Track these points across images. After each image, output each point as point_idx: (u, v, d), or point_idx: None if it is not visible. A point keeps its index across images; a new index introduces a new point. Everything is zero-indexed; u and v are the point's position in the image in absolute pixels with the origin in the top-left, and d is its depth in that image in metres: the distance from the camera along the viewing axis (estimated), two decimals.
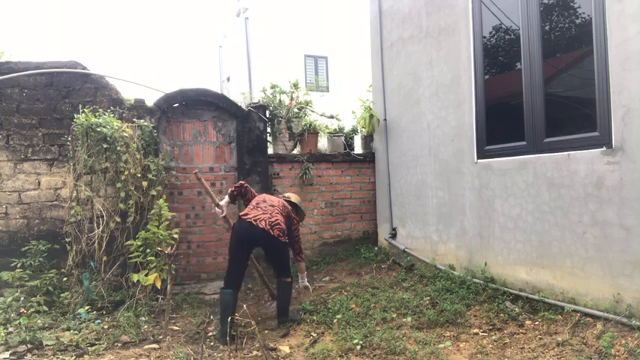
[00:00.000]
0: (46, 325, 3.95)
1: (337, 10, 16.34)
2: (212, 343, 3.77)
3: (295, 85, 6.38)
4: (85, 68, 5.06)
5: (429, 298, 4.29)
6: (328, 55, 16.69)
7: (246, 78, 15.72)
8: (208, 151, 5.62)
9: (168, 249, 4.05)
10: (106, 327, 4.01)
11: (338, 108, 7.63)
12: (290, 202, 4.43)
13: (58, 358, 3.37)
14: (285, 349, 3.57)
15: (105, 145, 4.59)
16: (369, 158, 6.51)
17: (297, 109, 6.30)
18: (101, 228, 4.60)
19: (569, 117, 3.80)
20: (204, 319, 4.31)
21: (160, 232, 4.44)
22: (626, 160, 3.19)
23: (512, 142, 4.17)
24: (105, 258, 4.64)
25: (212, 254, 5.59)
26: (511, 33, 4.23)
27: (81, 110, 4.72)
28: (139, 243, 4.41)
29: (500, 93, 4.48)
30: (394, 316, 4.01)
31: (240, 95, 7.69)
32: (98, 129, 4.53)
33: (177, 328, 4.14)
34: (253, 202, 4.20)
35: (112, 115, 4.79)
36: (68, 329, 3.90)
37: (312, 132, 6.29)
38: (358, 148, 7.14)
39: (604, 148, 3.33)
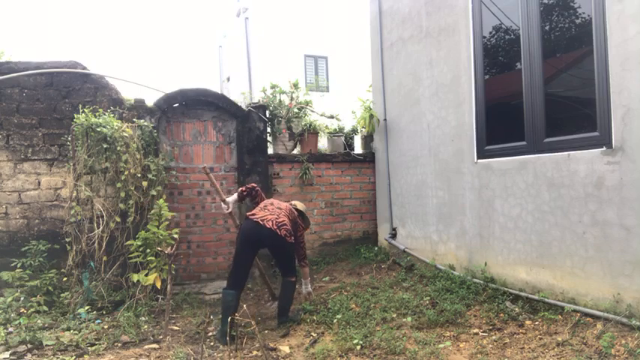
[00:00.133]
0: (46, 325, 3.95)
1: (337, 10, 16.34)
2: (212, 343, 3.77)
3: (295, 85, 6.38)
4: (85, 68, 5.06)
5: (429, 298, 4.29)
6: (328, 55, 16.70)
7: (246, 78, 15.72)
8: (208, 151, 5.61)
9: (169, 249, 4.05)
10: (106, 327, 4.01)
11: (338, 108, 7.63)
12: (296, 209, 4.44)
13: (58, 358, 3.37)
14: (285, 349, 3.57)
15: (105, 145, 4.59)
16: (369, 158, 6.51)
17: (297, 109, 6.30)
18: (101, 228, 4.60)
19: (569, 117, 3.80)
20: (204, 319, 4.30)
21: (160, 232, 4.44)
22: (626, 160, 3.19)
23: (512, 142, 4.17)
24: (105, 258, 4.64)
25: (212, 254, 5.59)
26: (511, 33, 4.23)
27: (81, 110, 4.72)
28: (139, 243, 4.41)
29: (500, 93, 4.48)
30: (394, 316, 4.01)
31: (240, 95, 7.69)
32: (98, 129, 4.53)
33: (177, 328, 4.14)
34: (261, 205, 4.25)
35: (112, 115, 4.79)
36: (68, 329, 3.90)
37: (312, 132, 6.29)
38: (358, 148, 7.14)
39: (604, 148, 3.33)
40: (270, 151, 6.11)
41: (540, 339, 3.31)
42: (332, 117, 6.72)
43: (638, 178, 3.12)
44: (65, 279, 4.48)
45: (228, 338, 3.58)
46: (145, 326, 4.05)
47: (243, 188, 4.40)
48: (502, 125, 4.37)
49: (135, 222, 4.78)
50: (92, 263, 4.56)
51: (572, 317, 3.43)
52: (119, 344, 3.67)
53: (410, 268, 5.33)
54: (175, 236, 4.55)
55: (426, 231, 5.29)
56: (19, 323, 3.87)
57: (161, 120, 5.36)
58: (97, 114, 4.70)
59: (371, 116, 5.98)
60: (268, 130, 6.03)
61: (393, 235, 5.96)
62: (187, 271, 5.48)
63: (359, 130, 6.73)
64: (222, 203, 4.35)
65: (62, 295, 4.40)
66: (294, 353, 3.50)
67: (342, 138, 6.59)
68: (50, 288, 4.46)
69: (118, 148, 4.64)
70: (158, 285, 4.33)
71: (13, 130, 4.82)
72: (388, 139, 6.02)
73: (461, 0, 4.65)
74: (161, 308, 4.46)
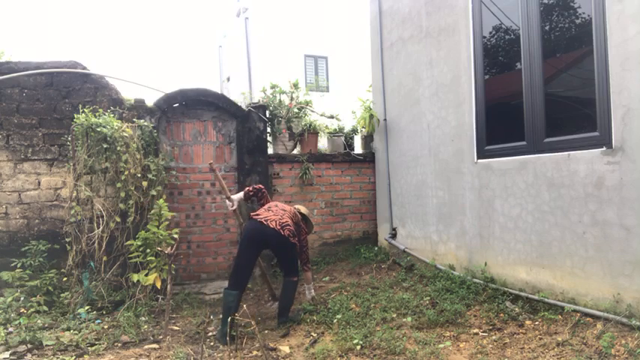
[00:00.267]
0: (46, 325, 3.95)
1: (337, 10, 16.34)
2: (212, 343, 3.77)
3: (295, 85, 6.38)
4: (85, 68, 5.06)
5: (429, 298, 4.29)
6: (328, 55, 16.70)
7: (246, 78, 15.72)
8: (208, 151, 5.61)
9: (169, 249, 4.05)
10: (106, 327, 4.01)
11: (338, 108, 7.63)
12: (300, 213, 4.45)
13: (58, 358, 3.37)
14: (285, 349, 3.57)
15: (105, 145, 4.59)
16: (369, 158, 6.51)
17: (297, 109, 6.30)
18: (101, 228, 4.60)
19: (569, 117, 3.80)
20: (204, 319, 4.30)
21: (160, 232, 4.44)
22: (626, 160, 3.19)
23: (512, 142, 4.17)
24: (105, 258, 4.64)
25: (212, 254, 5.59)
26: (511, 33, 4.23)
27: (81, 110, 4.72)
28: (139, 243, 4.41)
29: (500, 93, 4.48)
30: (394, 316, 4.01)
31: (240, 95, 7.69)
32: (98, 129, 4.53)
33: (177, 328, 4.14)
34: (265, 206, 4.28)
35: (112, 115, 4.79)
36: (68, 329, 3.90)
37: (312, 132, 6.29)
38: (358, 148, 7.14)
39: (604, 148, 3.33)
40: (270, 151, 6.11)
41: (540, 339, 3.31)
42: (332, 117, 6.72)
43: (638, 178, 3.12)
44: (65, 279, 4.48)
45: (228, 338, 3.58)
46: (145, 326, 4.05)
47: (250, 188, 4.43)
48: (502, 125, 4.37)
49: (135, 222, 4.78)
50: (92, 263, 4.56)
51: (572, 317, 3.43)
52: (119, 344, 3.67)
53: (410, 268, 5.33)
54: (175, 236, 4.55)
55: (426, 231, 5.29)
56: (19, 323, 3.87)
57: (161, 120, 5.36)
58: (97, 114, 4.70)
59: (371, 116, 5.98)
60: (268, 130, 6.03)
61: (393, 235, 5.96)
62: (187, 271, 5.48)
63: (359, 130, 6.73)
64: (227, 200, 4.39)
65: (62, 295, 4.40)
66: (294, 353, 3.50)
67: (342, 138, 6.59)
68: (50, 288, 4.46)
69: (118, 148, 4.64)
70: (158, 285, 4.33)
71: (13, 130, 4.82)
72: (388, 139, 6.02)
73: (461, 0, 4.65)
74: (161, 308, 4.46)
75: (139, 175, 4.78)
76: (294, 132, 6.25)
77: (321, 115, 6.67)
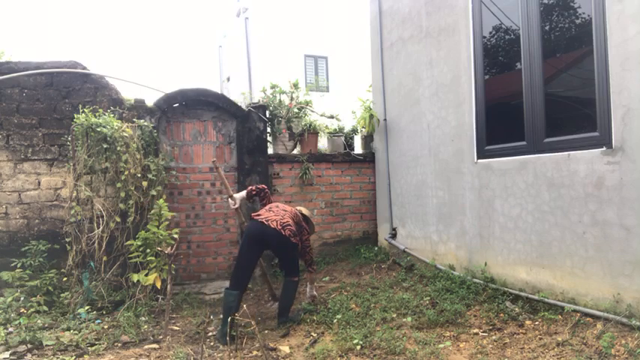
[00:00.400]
0: (46, 325, 3.95)
1: (337, 10, 16.34)
2: (212, 343, 3.77)
3: (295, 85, 6.38)
4: (85, 68, 5.06)
5: (429, 298, 4.29)
6: (328, 55, 16.70)
7: (246, 78, 15.72)
8: (208, 151, 5.61)
9: (169, 249, 4.05)
10: (106, 327, 4.01)
11: (338, 108, 7.63)
12: (301, 214, 4.45)
13: (58, 358, 3.37)
14: (285, 349, 3.57)
15: (105, 145, 4.59)
16: (369, 158, 6.51)
17: (297, 109, 6.30)
18: (101, 228, 4.60)
19: (569, 117, 3.80)
20: (204, 319, 4.30)
21: (160, 232, 4.44)
22: (626, 160, 3.19)
23: (512, 142, 4.17)
24: (105, 258, 4.64)
25: (212, 254, 5.59)
26: (511, 33, 4.23)
27: (81, 110, 4.72)
28: (139, 243, 4.41)
29: (500, 93, 4.48)
30: (394, 316, 4.01)
31: (240, 95, 7.69)
32: (98, 129, 4.53)
33: (177, 328, 4.14)
34: (267, 207, 4.29)
35: (112, 115, 4.79)
36: (68, 329, 3.90)
37: (312, 132, 6.29)
38: (358, 148, 7.14)
39: (604, 148, 3.33)
40: (270, 151, 6.11)
41: (540, 339, 3.31)
42: (332, 117, 6.72)
43: (638, 178, 3.12)
44: (65, 279, 4.48)
45: (228, 338, 3.58)
46: (145, 326, 4.05)
47: (253, 187, 4.45)
48: (502, 125, 4.37)
49: (135, 222, 4.78)
50: (92, 263, 4.56)
51: (572, 317, 3.43)
52: (119, 344, 3.67)
53: (410, 268, 5.33)
54: (175, 236, 4.55)
55: (426, 231, 5.29)
56: (19, 323, 3.87)
57: (161, 120, 5.36)
58: (97, 114, 4.70)
59: (371, 116, 5.98)
60: (268, 130, 6.03)
61: (393, 235, 5.96)
62: (187, 271, 5.48)
63: (359, 130, 6.73)
64: (229, 199, 4.40)
65: (62, 295, 4.40)
66: (294, 353, 3.50)
67: (342, 138, 6.59)
68: (50, 288, 4.46)
69: (118, 148, 4.64)
70: (158, 285, 4.33)
71: (13, 130, 4.82)
72: (388, 139, 6.02)
73: (461, 0, 4.64)
74: (161, 308, 4.46)
75: (139, 175, 4.78)
76: (294, 132, 6.25)
77: (321, 115, 6.67)
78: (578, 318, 3.40)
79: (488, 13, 4.41)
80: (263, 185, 4.55)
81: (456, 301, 4.08)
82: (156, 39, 36.19)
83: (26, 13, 31.76)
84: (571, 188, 3.58)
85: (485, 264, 4.40)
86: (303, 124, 6.26)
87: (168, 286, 3.99)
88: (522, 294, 3.94)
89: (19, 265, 4.52)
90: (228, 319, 3.63)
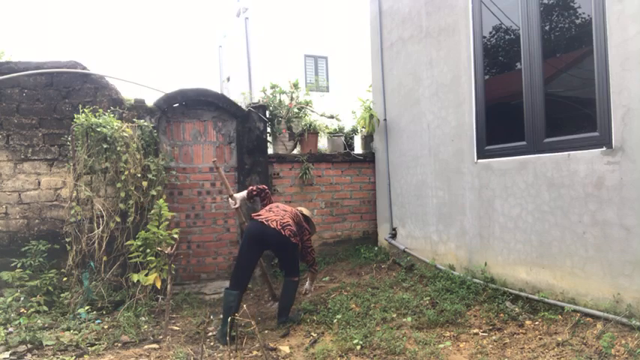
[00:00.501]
0: (46, 325, 3.95)
1: (337, 10, 16.34)
2: (212, 343, 3.77)
3: (295, 85, 6.38)
4: (85, 68, 5.06)
5: (429, 298, 4.29)
6: (328, 55, 16.70)
7: (246, 78, 15.72)
8: (208, 151, 5.61)
9: (169, 249, 4.05)
10: (106, 327, 4.01)
11: (338, 108, 7.63)
12: (302, 214, 4.45)
13: (58, 358, 3.37)
14: (285, 349, 3.57)
15: (105, 145, 4.59)
16: (369, 158, 6.51)
17: (297, 109, 6.30)
18: (101, 228, 4.60)
19: (569, 117, 3.80)
20: (204, 319, 4.31)
21: (160, 232, 4.44)
22: (626, 160, 3.19)
23: (512, 142, 4.17)
24: (105, 258, 4.64)
25: (212, 254, 5.59)
26: (511, 33, 4.23)
27: (81, 110, 4.72)
28: (139, 243, 4.41)
29: (500, 93, 4.48)
30: (394, 316, 4.01)
31: (240, 95, 7.69)
32: (98, 129, 4.53)
33: (177, 328, 4.14)
34: (267, 207, 4.29)
35: (112, 115, 4.79)
36: (68, 329, 3.90)
37: (312, 132, 6.29)
38: (358, 148, 7.14)
39: (604, 148, 3.33)
40: (270, 151, 6.11)
41: (540, 339, 3.31)
42: (332, 117, 6.72)
43: (638, 178, 3.12)
44: (65, 279, 4.48)
45: (228, 338, 3.58)
46: (145, 326, 4.05)
47: (254, 187, 4.46)
48: (502, 125, 4.37)
49: (135, 222, 4.78)
50: (92, 263, 4.56)
51: (572, 317, 3.42)
52: (119, 344, 3.67)
53: (410, 268, 5.33)
54: (175, 236, 4.55)
55: (426, 231, 5.29)
56: (19, 323, 3.87)
57: (161, 120, 5.36)
58: (97, 114, 4.70)
59: (371, 116, 5.98)
60: (268, 130, 6.03)
61: (393, 235, 5.96)
62: (187, 271, 5.48)
63: (359, 130, 6.73)
64: (229, 198, 4.41)
65: (62, 295, 4.40)
66: (294, 353, 3.50)
67: (342, 138, 6.59)
68: (50, 288, 4.46)
69: (118, 148, 4.64)
70: (158, 285, 4.33)
71: (13, 130, 4.82)
72: (388, 139, 6.02)
73: (461, 0, 4.64)
74: (161, 308, 4.46)
75: (139, 175, 4.78)
76: (294, 132, 6.25)
77: (321, 115, 6.67)
78: (578, 318, 3.40)
79: (488, 13, 4.41)
80: (264, 186, 4.55)
81: (456, 301, 4.08)
82: (156, 39, 36.20)
83: (26, 13, 31.77)
84: (571, 188, 3.58)
85: (486, 264, 4.40)
86: (303, 124, 6.26)
87: (169, 286, 3.99)
88: (522, 294, 3.94)
89: (19, 265, 4.52)
90: (228, 319, 3.63)
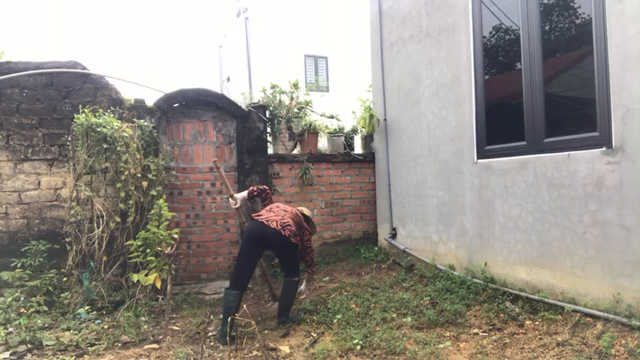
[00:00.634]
0: (46, 325, 3.95)
1: (337, 10, 16.34)
2: (212, 343, 3.77)
3: (295, 85, 6.38)
4: (85, 68, 5.06)
5: (429, 298, 4.29)
6: (328, 55, 16.70)
7: (246, 78, 15.72)
8: (208, 151, 5.62)
9: (169, 249, 4.05)
10: (106, 327, 4.01)
11: (338, 108, 7.63)
12: (302, 214, 4.45)
13: (58, 358, 3.37)
14: (285, 349, 3.57)
15: (105, 145, 4.60)
16: (369, 158, 6.50)
17: (297, 109, 6.30)
18: (101, 228, 4.60)
19: (569, 117, 3.80)
20: (204, 319, 4.31)
21: (160, 232, 4.44)
22: (626, 160, 3.19)
23: (512, 142, 4.17)
24: (105, 258, 4.64)
25: (212, 254, 5.59)
26: (511, 33, 4.23)
27: (81, 110, 4.72)
28: (139, 243, 4.41)
29: (500, 93, 4.48)
30: (394, 316, 4.01)
31: (240, 95, 7.69)
32: (98, 129, 4.53)
33: (177, 328, 4.14)
34: (267, 207, 4.29)
35: (112, 115, 4.79)
36: (68, 329, 3.90)
37: (312, 132, 6.29)
38: (358, 148, 7.14)
39: (604, 148, 3.33)
40: (270, 151, 6.11)
41: (540, 339, 3.31)
42: (332, 117, 6.72)
43: (638, 178, 3.12)
44: (65, 279, 4.48)
45: (228, 338, 3.58)
46: (145, 326, 4.05)
47: (255, 188, 4.45)
48: (502, 125, 4.37)
49: (135, 222, 4.78)
50: (92, 263, 4.56)
51: (572, 317, 3.42)
52: (119, 344, 3.67)
53: (410, 268, 5.33)
54: (175, 236, 4.55)
55: (426, 231, 5.29)
56: (19, 323, 3.87)
57: (161, 120, 5.36)
58: (97, 114, 4.70)
59: (371, 116, 5.98)
60: (268, 130, 6.03)
61: (393, 235, 5.96)
62: (187, 271, 5.48)
63: (359, 130, 6.73)
64: (229, 198, 4.41)
65: (62, 295, 4.40)
66: (294, 353, 3.50)
67: (342, 138, 6.59)
68: (50, 288, 4.46)
69: (118, 148, 4.64)
70: (158, 285, 4.33)
71: (13, 130, 4.82)
72: (388, 139, 6.02)
73: (461, 0, 4.64)
74: (161, 308, 4.46)
75: (139, 175, 4.78)
76: (294, 132, 6.25)
77: (321, 115, 6.67)
78: (578, 318, 3.40)
79: (488, 13, 4.41)
80: (265, 186, 4.55)
81: (456, 301, 4.08)
82: (156, 39, 36.20)
83: (26, 13, 31.77)
84: (571, 188, 3.58)
85: (485, 264, 4.40)
86: (303, 124, 6.26)
87: (169, 286, 3.99)
88: (522, 294, 3.94)
89: (19, 265, 4.52)
90: (228, 319, 3.63)
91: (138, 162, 4.79)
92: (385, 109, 6.02)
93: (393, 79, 5.89)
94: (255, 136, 5.74)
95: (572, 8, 3.69)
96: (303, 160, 6.04)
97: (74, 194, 4.62)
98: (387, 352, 3.31)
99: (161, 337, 3.81)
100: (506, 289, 4.09)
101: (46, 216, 4.87)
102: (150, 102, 5.24)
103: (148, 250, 4.41)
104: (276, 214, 4.08)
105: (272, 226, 3.92)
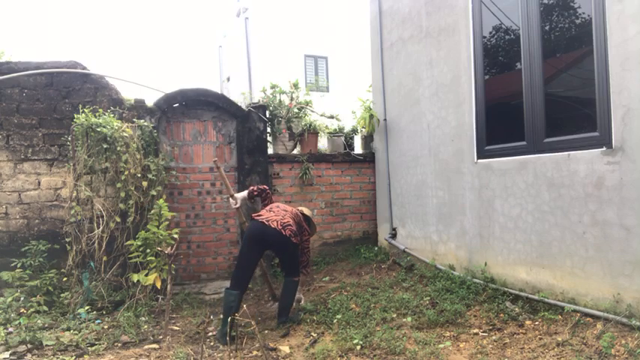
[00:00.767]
0: (46, 325, 3.95)
1: (337, 10, 16.35)
2: (212, 343, 3.77)
3: (295, 85, 6.38)
4: (85, 68, 5.06)
5: (429, 298, 4.29)
6: (328, 55, 16.70)
7: (246, 78, 15.73)
8: (208, 151, 5.62)
9: (169, 249, 4.05)
10: (106, 327, 4.01)
11: (338, 108, 7.64)
12: (303, 214, 4.45)
13: (58, 358, 3.37)
14: (285, 349, 3.57)
15: (105, 145, 4.60)
16: (369, 158, 6.50)
17: (297, 109, 6.30)
18: (101, 228, 4.60)
19: (569, 117, 3.80)
20: (204, 319, 4.30)
21: (160, 232, 4.44)
22: (626, 160, 3.19)
23: (512, 142, 4.17)
24: (105, 258, 4.64)
25: (212, 254, 5.59)
26: (511, 33, 4.23)
27: (81, 110, 4.72)
28: (139, 243, 4.41)
29: (500, 93, 4.48)
30: (394, 316, 4.01)
31: (240, 95, 7.69)
32: (98, 129, 4.53)
33: (177, 328, 4.14)
34: (268, 207, 4.29)
35: (112, 115, 4.79)
36: (68, 329, 3.90)
37: (312, 132, 6.29)
38: (358, 148, 7.14)
39: (604, 148, 3.33)
40: (270, 151, 6.11)
41: (540, 339, 3.31)
42: (332, 117, 6.72)
43: (638, 178, 3.12)
44: (65, 279, 4.48)
45: (228, 338, 3.58)
46: (145, 326, 4.05)
47: (255, 188, 4.45)
48: (502, 125, 4.37)
49: (135, 222, 4.78)
50: (92, 263, 4.56)
51: (572, 317, 3.42)
52: (119, 344, 3.67)
53: (410, 268, 5.33)
54: (175, 236, 4.55)
55: (426, 231, 5.29)
56: (19, 323, 3.87)
57: (161, 120, 5.36)
58: (97, 114, 4.70)
59: (371, 116, 5.98)
60: (268, 130, 6.03)
61: (393, 235, 5.96)
62: (187, 271, 5.48)
63: (359, 130, 6.73)
64: (230, 198, 4.41)
65: (62, 295, 4.40)
66: (294, 353, 3.50)
67: (342, 138, 6.59)
68: (50, 288, 4.46)
69: (118, 148, 4.64)
70: (158, 285, 4.33)
71: (13, 130, 4.82)
72: (388, 139, 6.02)
73: (461, 0, 4.64)
74: (161, 308, 4.46)
75: (139, 175, 4.78)
76: (294, 132, 6.25)
77: (321, 115, 6.67)
78: (578, 318, 3.40)
79: (488, 13, 4.41)
80: (265, 186, 4.55)
81: (456, 301, 4.08)
82: (156, 39, 36.20)
83: (26, 13, 31.77)
84: (571, 188, 3.58)
85: (485, 264, 4.40)
86: (303, 124, 6.26)
87: (169, 286, 3.99)
88: (522, 294, 3.93)
89: (19, 265, 4.52)
90: (229, 319, 3.63)
91: (138, 162, 4.79)
92: (385, 109, 6.02)
93: (393, 79, 5.89)
94: (255, 136, 5.74)
95: (572, 8, 3.69)
96: (303, 160, 6.04)
97: (74, 194, 4.62)
98: (387, 352, 3.31)
99: (161, 337, 3.81)
100: (506, 289, 4.09)
101: (46, 216, 4.87)
102: (150, 102, 5.24)
103: (148, 250, 4.41)
104: (277, 213, 4.08)
105: (272, 226, 3.92)
